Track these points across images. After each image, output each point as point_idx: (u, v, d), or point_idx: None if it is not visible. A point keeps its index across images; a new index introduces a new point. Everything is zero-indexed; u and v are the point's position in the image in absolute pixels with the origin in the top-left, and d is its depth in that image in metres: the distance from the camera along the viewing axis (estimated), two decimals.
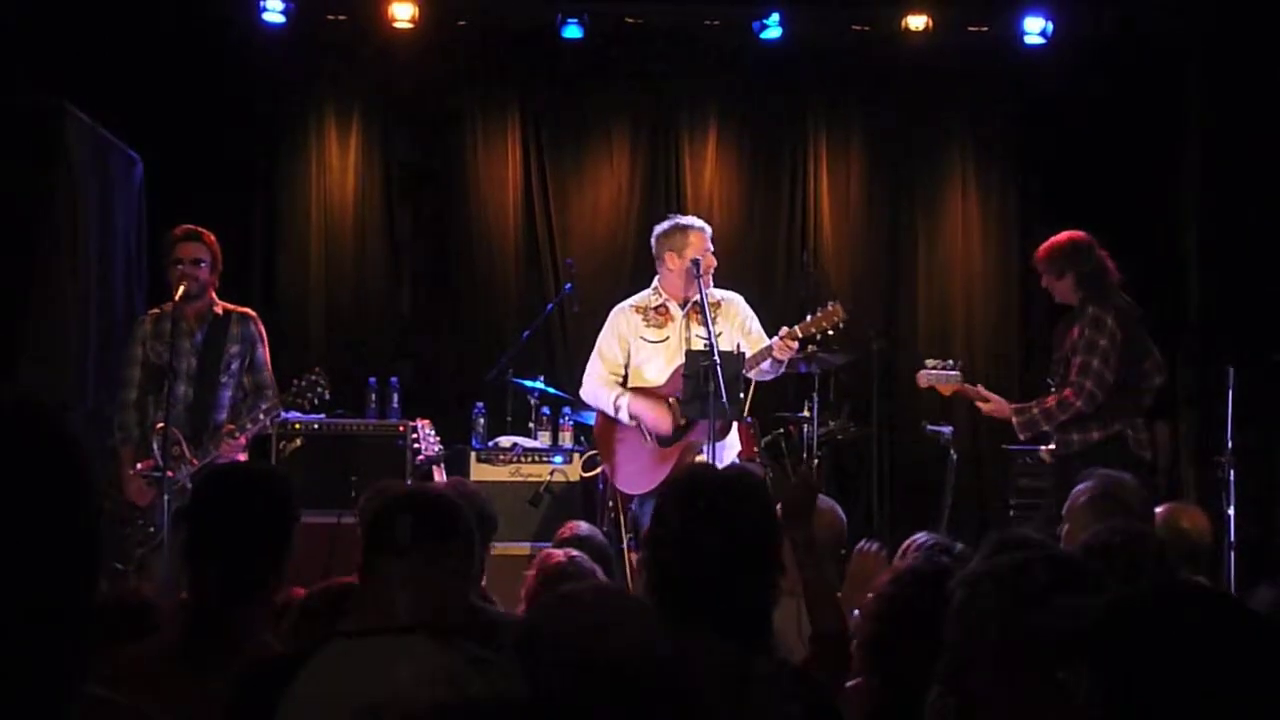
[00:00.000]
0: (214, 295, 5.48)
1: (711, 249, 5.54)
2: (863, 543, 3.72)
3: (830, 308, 5.31)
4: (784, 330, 5.31)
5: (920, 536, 3.22)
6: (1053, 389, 5.40)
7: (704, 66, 7.82)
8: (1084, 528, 3.35)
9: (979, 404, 5.56)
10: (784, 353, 5.27)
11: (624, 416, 5.50)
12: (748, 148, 7.94)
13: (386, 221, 7.81)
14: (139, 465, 5.25)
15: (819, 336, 5.34)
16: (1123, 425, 5.27)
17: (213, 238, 5.43)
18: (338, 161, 7.75)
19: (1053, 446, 5.49)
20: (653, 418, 5.44)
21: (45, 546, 1.19)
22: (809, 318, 5.33)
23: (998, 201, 8.01)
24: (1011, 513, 6.81)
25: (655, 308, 5.62)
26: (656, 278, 5.67)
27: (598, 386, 5.62)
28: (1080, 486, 3.82)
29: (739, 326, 5.52)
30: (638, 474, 5.49)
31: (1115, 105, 7.65)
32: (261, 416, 5.33)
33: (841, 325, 5.32)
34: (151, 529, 5.13)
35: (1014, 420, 5.40)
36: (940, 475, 6.70)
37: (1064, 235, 5.56)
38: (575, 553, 3.48)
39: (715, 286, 5.57)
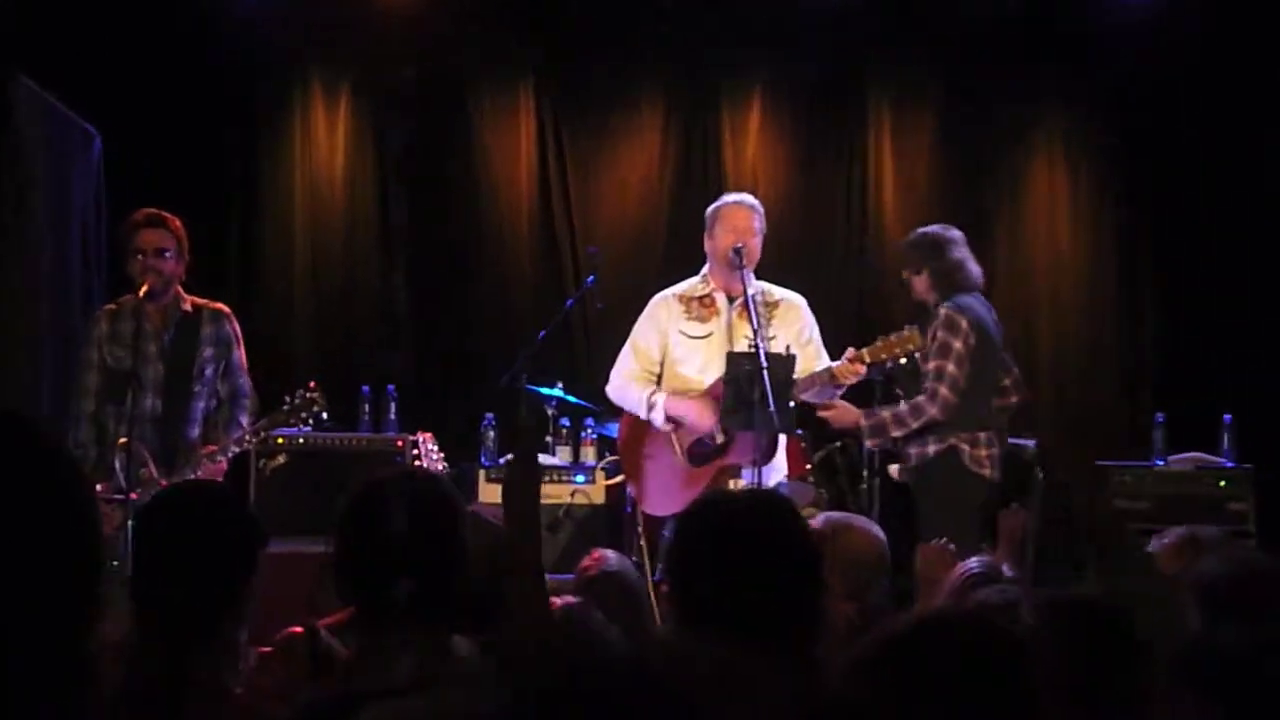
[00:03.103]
0: (181, 289, 5.24)
1: (758, 229, 5.30)
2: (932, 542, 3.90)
3: (906, 333, 5.11)
4: (850, 352, 5.09)
5: (971, 564, 3.31)
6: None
7: (746, 27, 7.40)
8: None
9: (820, 413, 5.44)
10: (848, 377, 5.10)
11: (658, 418, 5.23)
12: (802, 119, 7.54)
13: (381, 208, 7.51)
14: (99, 488, 4.93)
15: (889, 364, 5.15)
16: (958, 439, 5.30)
17: (179, 223, 5.22)
18: (325, 140, 7.44)
19: (899, 465, 5.59)
20: (694, 415, 5.19)
21: (42, 567, 1.30)
22: (880, 341, 5.10)
23: (1090, 183, 7.46)
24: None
25: (699, 298, 5.39)
26: (706, 265, 5.45)
27: (627, 383, 5.38)
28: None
29: (796, 335, 5.29)
30: (667, 495, 5.22)
31: (1232, 75, 7.06)
32: (248, 436, 5.14)
33: (917, 354, 5.18)
34: (114, 562, 4.79)
35: (862, 425, 5.37)
36: (1023, 494, 6.26)
37: (933, 226, 5.62)
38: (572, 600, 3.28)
39: (760, 280, 5.38)
